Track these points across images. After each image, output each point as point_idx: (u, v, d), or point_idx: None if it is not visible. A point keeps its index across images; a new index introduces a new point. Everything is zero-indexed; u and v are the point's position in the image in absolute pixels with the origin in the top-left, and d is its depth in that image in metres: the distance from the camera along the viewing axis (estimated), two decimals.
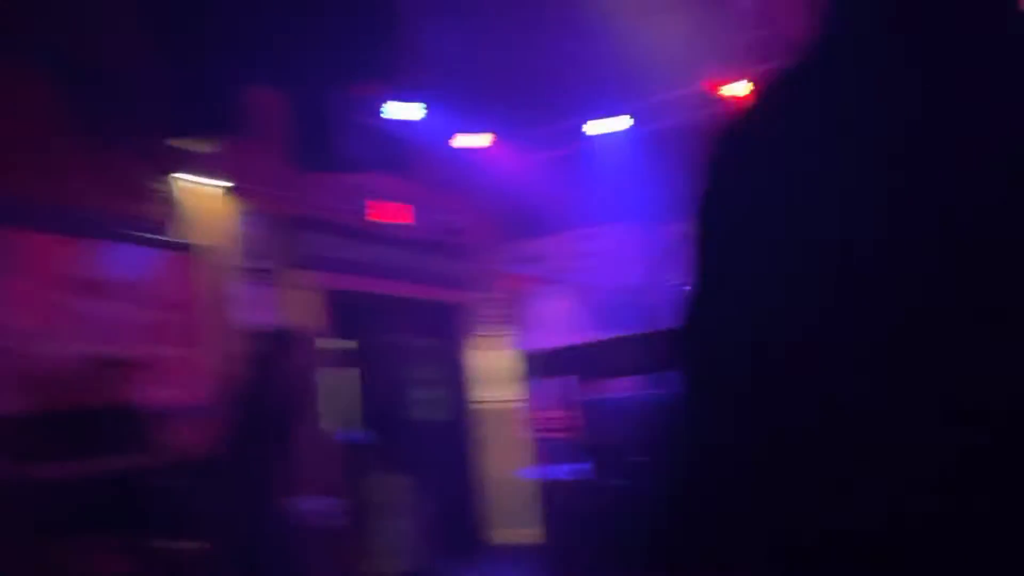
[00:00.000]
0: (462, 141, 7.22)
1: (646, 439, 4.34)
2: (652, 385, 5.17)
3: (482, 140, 7.33)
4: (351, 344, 6.45)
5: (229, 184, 5.43)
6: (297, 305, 5.71)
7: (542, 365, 4.59)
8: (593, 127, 7.38)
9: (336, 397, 6.09)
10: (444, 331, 7.12)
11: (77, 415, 4.11)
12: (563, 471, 4.99)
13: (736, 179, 0.94)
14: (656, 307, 6.53)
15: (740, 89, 7.09)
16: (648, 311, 6.74)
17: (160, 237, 4.99)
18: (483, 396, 7.07)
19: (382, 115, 6.17)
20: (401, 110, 6.42)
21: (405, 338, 6.87)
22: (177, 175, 5.12)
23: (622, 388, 4.87)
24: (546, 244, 7.46)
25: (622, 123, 7.48)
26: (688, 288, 0.98)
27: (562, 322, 6.81)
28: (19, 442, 3.86)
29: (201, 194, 5.29)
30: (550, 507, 5.05)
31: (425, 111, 6.52)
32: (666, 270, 7.05)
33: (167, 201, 5.07)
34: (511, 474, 6.36)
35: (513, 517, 6.36)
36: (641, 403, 4.50)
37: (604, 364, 4.06)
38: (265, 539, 3.71)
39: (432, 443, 6.63)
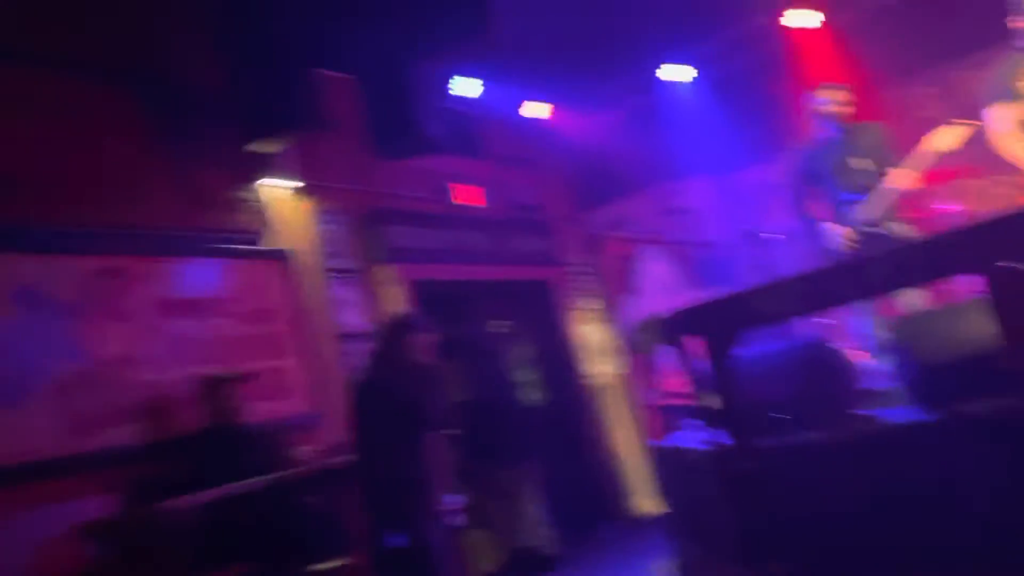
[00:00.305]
0: (531, 110, 6.95)
1: (791, 394, 3.99)
2: (783, 337, 4.84)
3: (551, 107, 7.05)
4: (446, 335, 6.26)
5: (308, 182, 5.26)
6: (387, 301, 5.53)
7: (659, 330, 4.30)
8: (663, 73, 7.03)
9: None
10: (540, 310, 6.87)
11: (194, 439, 3.98)
12: (691, 438, 4.70)
13: None
14: (756, 258, 6.21)
15: (807, 19, 6.65)
16: (747, 263, 6.40)
17: (249, 247, 4.84)
18: (592, 371, 6.80)
19: (450, 92, 5.93)
20: (469, 86, 6.17)
21: (501, 322, 6.65)
22: (258, 181, 4.96)
23: (748, 344, 4.53)
24: (630, 205, 7.15)
25: (690, 70, 7.14)
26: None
27: (664, 284, 6.51)
28: (140, 476, 3.74)
29: (282, 196, 5.12)
30: (678, 476, 4.76)
31: (492, 84, 6.27)
32: (754, 219, 6.71)
33: (251, 209, 4.92)
34: (639, 445, 6.12)
35: (646, 488, 6.12)
36: (780, 355, 4.15)
37: (738, 318, 3.73)
38: (415, 544, 3.52)
39: (544, 424, 6.41)
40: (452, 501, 4.66)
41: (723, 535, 3.99)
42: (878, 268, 3.56)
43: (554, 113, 7.14)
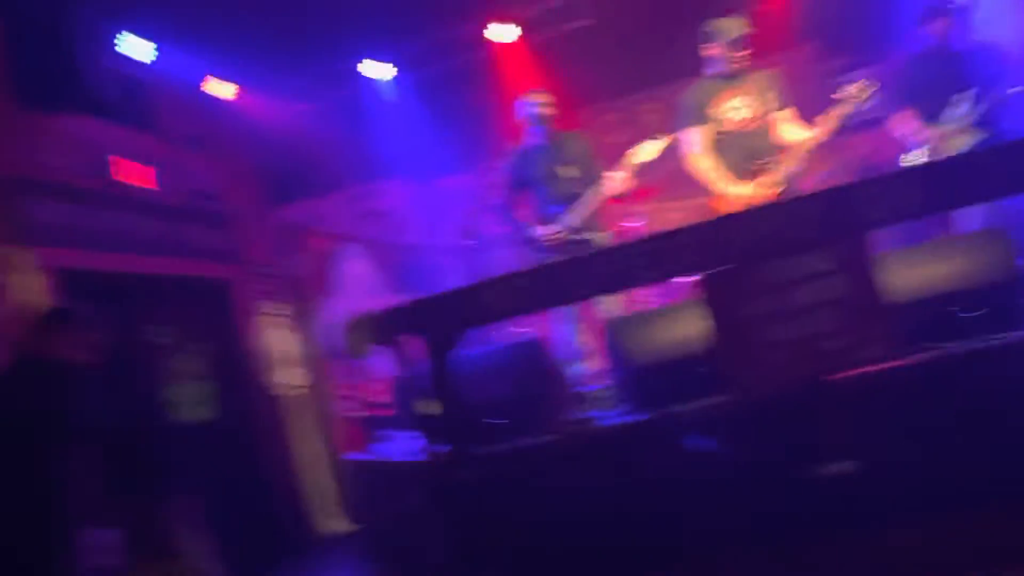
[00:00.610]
0: (215, 88, 6.20)
1: (504, 398, 3.86)
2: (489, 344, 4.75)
3: (236, 88, 6.36)
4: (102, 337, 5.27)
5: None
6: (20, 291, 4.49)
7: (372, 329, 3.93)
8: (362, 68, 6.72)
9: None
10: (218, 312, 6.08)
11: None
12: (394, 449, 4.40)
13: None
14: (462, 263, 6.13)
15: (508, 33, 6.81)
16: (453, 268, 6.31)
17: None
18: (279, 381, 6.16)
19: (117, 48, 5.02)
20: (141, 47, 5.30)
21: (166, 325, 5.76)
22: None
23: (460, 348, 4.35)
24: (327, 204, 6.68)
25: (391, 70, 6.93)
26: None
27: (365, 286, 6.13)
28: None
29: None
30: (377, 491, 4.43)
31: (170, 51, 5.46)
32: (460, 224, 6.66)
33: None
34: (331, 460, 5.61)
35: (337, 505, 5.64)
36: (490, 358, 4.01)
37: (460, 315, 3.50)
38: None
39: (215, 444, 5.66)
40: (102, 537, 3.88)
41: (428, 550, 3.72)
42: (582, 273, 3.58)
43: (241, 95, 6.46)
